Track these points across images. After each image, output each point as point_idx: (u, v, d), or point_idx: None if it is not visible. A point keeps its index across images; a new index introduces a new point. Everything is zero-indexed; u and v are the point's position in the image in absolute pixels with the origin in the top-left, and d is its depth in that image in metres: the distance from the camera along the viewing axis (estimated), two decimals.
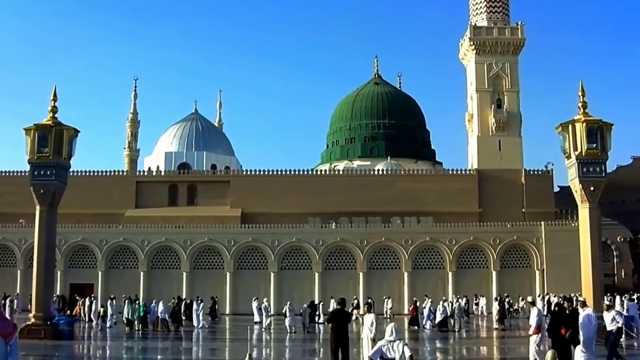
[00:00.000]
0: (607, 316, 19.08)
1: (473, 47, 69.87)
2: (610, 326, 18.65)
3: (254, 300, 42.60)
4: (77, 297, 45.46)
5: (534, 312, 18.37)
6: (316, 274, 54.80)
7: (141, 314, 35.54)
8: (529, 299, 22.16)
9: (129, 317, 35.70)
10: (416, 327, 36.56)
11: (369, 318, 17.02)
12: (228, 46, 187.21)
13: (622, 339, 19.91)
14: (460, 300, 41.30)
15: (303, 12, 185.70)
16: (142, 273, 54.72)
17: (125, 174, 70.97)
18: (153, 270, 55.43)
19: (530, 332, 17.94)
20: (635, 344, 26.52)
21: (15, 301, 42.78)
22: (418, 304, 39.26)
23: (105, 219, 57.83)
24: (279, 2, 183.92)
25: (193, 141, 77.55)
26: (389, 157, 73.03)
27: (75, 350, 26.85)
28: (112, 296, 40.19)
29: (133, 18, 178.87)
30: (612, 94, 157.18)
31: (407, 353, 12.45)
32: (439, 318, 35.65)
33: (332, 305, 40.22)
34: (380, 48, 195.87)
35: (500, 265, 55.04)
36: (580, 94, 28.59)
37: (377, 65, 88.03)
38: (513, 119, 68.66)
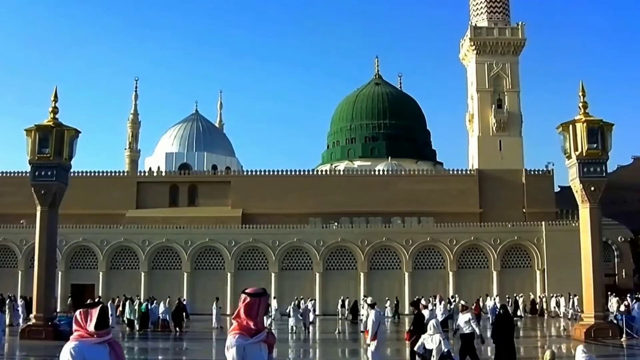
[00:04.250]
0: (462, 318, 18.12)
1: (473, 47, 69.82)
2: (465, 329, 17.64)
3: (310, 301, 41.66)
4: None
5: (370, 316, 16.61)
6: (317, 275, 54.83)
7: (135, 316, 35.49)
8: (369, 300, 18.51)
9: (130, 318, 35.73)
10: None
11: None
12: (229, 47, 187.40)
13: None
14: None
15: (303, 13, 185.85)
16: (143, 273, 54.76)
17: (126, 174, 71.03)
18: (154, 271, 55.47)
19: (368, 339, 16.36)
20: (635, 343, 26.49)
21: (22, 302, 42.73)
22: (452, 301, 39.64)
23: (106, 220, 57.86)
24: (279, 3, 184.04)
25: (194, 142, 77.58)
26: (389, 158, 73.02)
27: None
28: (113, 297, 40.22)
29: (133, 18, 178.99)
30: (612, 94, 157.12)
31: (444, 347, 14.77)
32: (440, 318, 35.71)
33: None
34: (381, 48, 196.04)
35: (501, 265, 55.06)
36: (580, 94, 28.65)
37: (377, 66, 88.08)
38: (513, 119, 68.58)
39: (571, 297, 47.23)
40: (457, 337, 18.71)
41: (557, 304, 49.24)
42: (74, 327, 5.65)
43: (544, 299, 52.47)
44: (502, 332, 17.23)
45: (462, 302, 22.07)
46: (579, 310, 46.06)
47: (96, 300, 36.54)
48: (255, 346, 5.73)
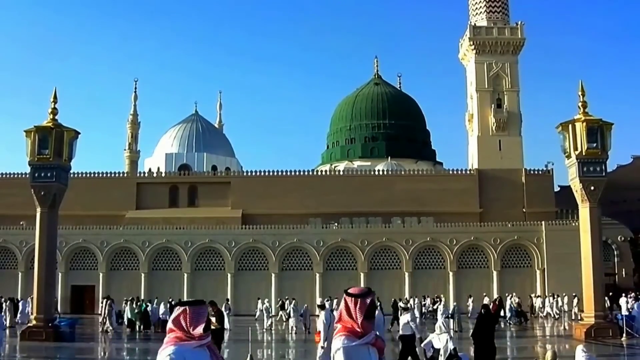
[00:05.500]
0: (402, 319, 17.54)
1: (473, 47, 69.82)
2: (403, 330, 17.16)
3: (327, 301, 40.07)
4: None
5: (320, 317, 16.21)
6: (317, 275, 54.84)
7: (135, 316, 35.50)
8: (318, 301, 18.22)
9: (131, 318, 35.75)
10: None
11: None
12: (228, 47, 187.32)
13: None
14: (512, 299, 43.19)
15: (303, 13, 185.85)
16: (143, 274, 54.75)
17: (125, 175, 70.97)
18: (154, 272, 55.46)
19: (318, 339, 15.80)
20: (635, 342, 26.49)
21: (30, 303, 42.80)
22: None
23: (106, 221, 57.83)
24: (278, 3, 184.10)
25: (193, 142, 77.55)
26: (389, 158, 73.01)
27: (76, 351, 26.87)
28: (112, 298, 40.16)
29: (133, 19, 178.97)
30: (612, 93, 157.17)
31: (451, 345, 15.55)
32: (440, 318, 35.75)
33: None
34: (380, 48, 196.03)
35: (501, 265, 55.08)
36: (580, 93, 28.66)
37: (377, 66, 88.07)
38: (513, 118, 68.59)
39: (555, 297, 47.35)
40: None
41: (543, 304, 48.80)
42: (171, 326, 4.93)
43: (533, 299, 52.06)
44: (483, 332, 17.23)
45: (402, 303, 21.99)
46: (566, 310, 46.42)
47: (170, 300, 35.66)
48: (362, 348, 5.27)
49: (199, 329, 4.85)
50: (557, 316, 45.60)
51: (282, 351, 27.73)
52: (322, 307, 17.04)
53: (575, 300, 45.38)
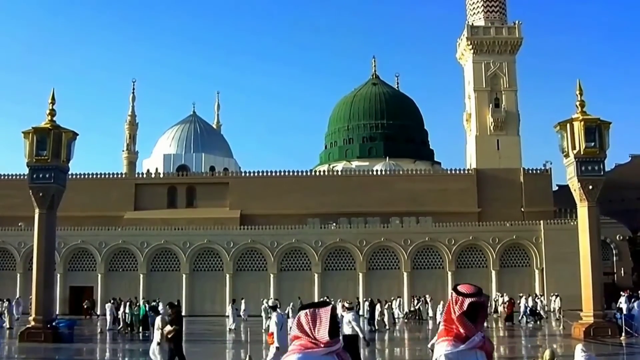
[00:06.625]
0: (344, 319, 17.32)
1: (470, 46, 69.87)
2: (347, 330, 17.01)
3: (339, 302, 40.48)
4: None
5: (272, 319, 16.00)
6: (316, 275, 54.79)
7: (139, 317, 35.45)
8: (270, 302, 17.55)
9: (127, 321, 35.71)
10: (512, 323, 39.15)
11: (157, 321, 17.80)
12: (226, 48, 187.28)
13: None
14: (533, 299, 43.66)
15: (300, 13, 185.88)
16: (141, 275, 54.68)
17: (124, 176, 70.88)
18: (152, 273, 55.39)
19: (271, 340, 15.46)
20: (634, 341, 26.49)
21: (15, 305, 42.67)
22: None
23: (105, 222, 57.74)
24: (276, 3, 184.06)
25: (191, 143, 77.53)
26: (387, 158, 72.98)
27: (75, 352, 26.82)
28: (111, 299, 40.15)
29: (131, 20, 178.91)
30: (610, 92, 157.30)
31: None
32: (439, 318, 35.90)
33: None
34: (378, 48, 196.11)
35: (499, 264, 55.09)
36: (578, 92, 28.66)
37: (374, 66, 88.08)
38: (511, 118, 68.66)
39: (539, 297, 47.23)
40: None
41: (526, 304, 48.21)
42: (296, 333, 4.45)
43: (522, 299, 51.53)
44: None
45: (346, 302, 21.74)
46: (551, 310, 46.35)
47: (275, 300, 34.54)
48: (468, 353, 4.88)
49: (323, 334, 4.33)
50: (545, 316, 45.46)
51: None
52: (274, 308, 16.69)
53: (558, 300, 45.51)
